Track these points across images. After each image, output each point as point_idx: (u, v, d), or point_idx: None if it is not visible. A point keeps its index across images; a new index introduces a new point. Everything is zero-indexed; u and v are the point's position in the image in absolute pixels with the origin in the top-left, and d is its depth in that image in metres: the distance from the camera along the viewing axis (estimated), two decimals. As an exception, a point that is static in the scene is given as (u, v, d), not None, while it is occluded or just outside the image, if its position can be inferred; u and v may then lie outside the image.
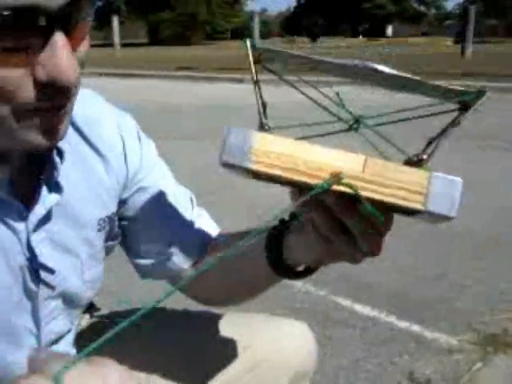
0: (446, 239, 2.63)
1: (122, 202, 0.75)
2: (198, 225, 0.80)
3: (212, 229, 0.82)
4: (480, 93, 0.44)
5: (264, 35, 39.90)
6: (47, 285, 0.65)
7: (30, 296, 0.64)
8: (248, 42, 0.47)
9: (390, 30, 66.81)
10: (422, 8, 73.72)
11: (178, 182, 0.82)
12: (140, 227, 0.77)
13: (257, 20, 15.77)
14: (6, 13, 0.41)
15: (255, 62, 0.47)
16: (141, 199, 0.75)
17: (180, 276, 0.80)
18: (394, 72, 0.45)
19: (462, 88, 0.44)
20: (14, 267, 0.61)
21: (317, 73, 0.50)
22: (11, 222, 0.59)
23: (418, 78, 0.45)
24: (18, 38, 0.43)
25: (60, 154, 0.62)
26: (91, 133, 0.69)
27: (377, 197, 0.41)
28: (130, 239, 0.79)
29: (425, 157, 0.44)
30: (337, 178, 0.40)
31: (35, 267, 0.63)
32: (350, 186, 0.41)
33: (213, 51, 23.71)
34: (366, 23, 68.27)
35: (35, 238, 0.62)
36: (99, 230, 0.72)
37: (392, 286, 2.19)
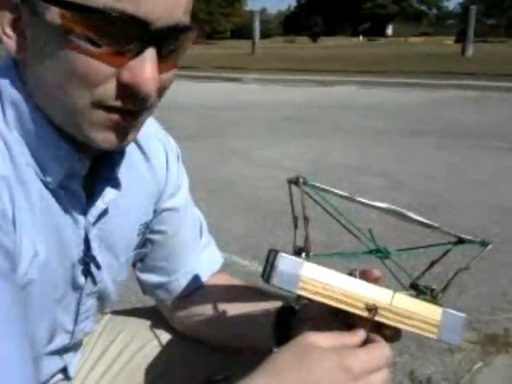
0: (446, 238, 2.63)
1: (154, 212, 0.76)
2: (202, 257, 0.82)
3: (214, 263, 0.84)
4: (483, 243, 0.56)
5: (264, 35, 39.86)
6: (93, 279, 0.67)
7: (76, 289, 0.66)
8: (301, 180, 0.51)
9: (390, 30, 66.88)
10: (423, 7, 73.77)
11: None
12: (157, 242, 0.78)
13: (257, 19, 15.78)
14: (121, 17, 0.48)
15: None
16: (167, 217, 0.77)
17: (168, 306, 0.82)
18: (419, 218, 0.55)
19: (470, 237, 0.56)
20: (66, 260, 0.63)
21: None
22: (76, 215, 0.62)
23: (437, 224, 0.56)
24: (118, 40, 0.50)
25: (120, 152, 0.63)
26: (141, 138, 0.70)
27: (401, 326, 0.52)
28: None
29: (440, 295, 0.56)
30: (375, 311, 0.51)
31: (87, 260, 0.65)
32: (386, 318, 0.52)
33: (212, 50, 23.73)
34: (366, 23, 68.34)
35: (92, 232, 0.65)
36: (138, 235, 0.74)
37: (392, 285, 2.18)
